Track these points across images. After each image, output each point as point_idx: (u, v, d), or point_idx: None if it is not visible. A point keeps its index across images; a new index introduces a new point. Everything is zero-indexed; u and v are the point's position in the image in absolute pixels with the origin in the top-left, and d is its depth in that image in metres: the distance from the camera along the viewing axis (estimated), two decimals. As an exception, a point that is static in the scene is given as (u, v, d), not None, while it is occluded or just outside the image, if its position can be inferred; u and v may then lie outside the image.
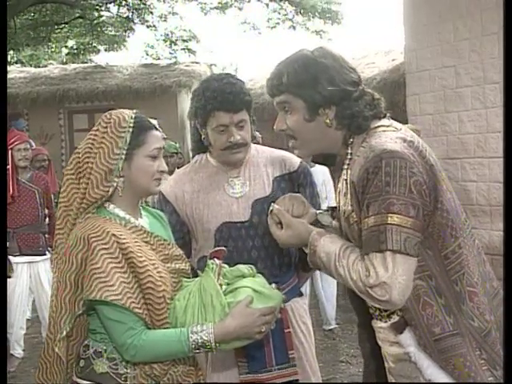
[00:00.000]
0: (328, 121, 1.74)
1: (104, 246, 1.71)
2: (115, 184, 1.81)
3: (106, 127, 1.83)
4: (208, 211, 2.23)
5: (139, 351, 1.72)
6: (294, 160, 2.33)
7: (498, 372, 1.63)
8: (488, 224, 5.31)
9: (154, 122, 1.91)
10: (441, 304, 1.64)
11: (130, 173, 1.82)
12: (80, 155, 1.84)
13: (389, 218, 1.57)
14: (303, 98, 1.75)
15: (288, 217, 1.84)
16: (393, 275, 1.57)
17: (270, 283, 1.89)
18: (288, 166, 2.30)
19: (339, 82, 1.72)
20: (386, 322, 1.73)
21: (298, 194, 2.01)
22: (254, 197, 2.23)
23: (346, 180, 1.75)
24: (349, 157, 1.76)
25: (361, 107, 1.73)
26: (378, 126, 1.74)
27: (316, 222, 1.90)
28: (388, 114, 1.80)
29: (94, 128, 1.86)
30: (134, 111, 1.88)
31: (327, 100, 1.73)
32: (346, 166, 1.76)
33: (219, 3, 13.80)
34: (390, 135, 1.69)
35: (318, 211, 1.97)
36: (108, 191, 1.80)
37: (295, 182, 2.30)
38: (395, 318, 1.70)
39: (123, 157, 1.80)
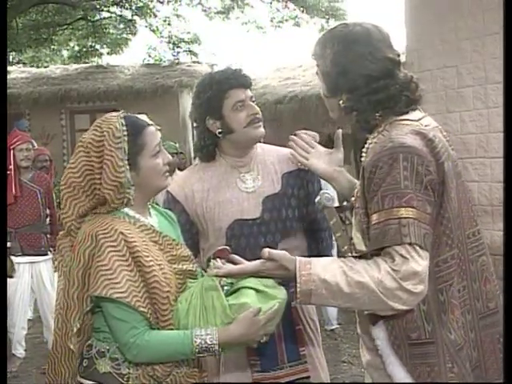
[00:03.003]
0: (342, 104, 1.74)
1: (111, 244, 1.71)
2: (128, 195, 1.80)
3: (102, 141, 1.77)
4: (219, 209, 2.22)
5: (141, 351, 1.71)
6: None
7: None
8: (490, 224, 5.28)
9: (144, 117, 1.88)
10: (422, 310, 1.60)
11: (139, 179, 1.81)
12: (75, 170, 1.79)
13: (410, 212, 1.53)
14: (322, 78, 1.79)
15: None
16: (421, 266, 1.52)
17: None
18: (296, 163, 2.30)
19: (362, 70, 1.68)
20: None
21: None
22: (264, 194, 2.23)
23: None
24: (369, 141, 1.73)
25: (376, 99, 1.69)
26: (403, 119, 1.70)
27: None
28: (418, 107, 1.75)
29: (85, 141, 1.79)
30: (121, 114, 1.83)
31: (342, 88, 1.73)
32: (364, 153, 1.74)
33: (222, 8, 13.74)
34: (411, 129, 1.65)
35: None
36: (122, 202, 1.80)
37: (304, 179, 2.30)
38: None
39: (128, 167, 1.78)
